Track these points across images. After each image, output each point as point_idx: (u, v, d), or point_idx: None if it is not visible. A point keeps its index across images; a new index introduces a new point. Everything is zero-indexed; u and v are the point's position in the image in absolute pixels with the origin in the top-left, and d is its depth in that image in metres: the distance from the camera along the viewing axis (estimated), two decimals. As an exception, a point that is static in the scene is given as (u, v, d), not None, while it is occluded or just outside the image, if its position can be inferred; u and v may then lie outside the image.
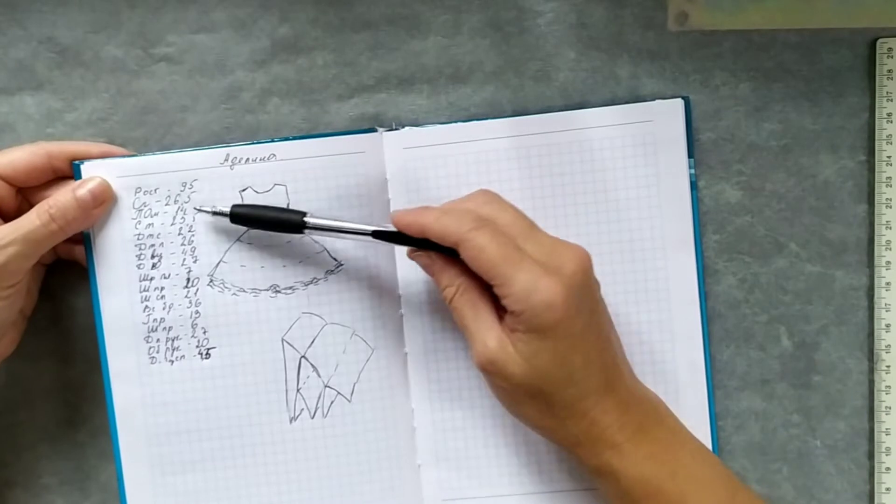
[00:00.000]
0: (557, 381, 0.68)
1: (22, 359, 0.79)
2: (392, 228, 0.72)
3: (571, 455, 0.71)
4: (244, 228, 0.76)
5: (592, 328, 0.70)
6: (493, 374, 0.69)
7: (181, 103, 0.79)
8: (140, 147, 0.79)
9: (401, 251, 0.77)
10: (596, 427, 0.69)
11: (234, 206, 0.75)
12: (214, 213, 0.75)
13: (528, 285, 0.66)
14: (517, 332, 0.68)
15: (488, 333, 0.69)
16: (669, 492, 0.69)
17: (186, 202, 0.77)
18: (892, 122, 0.77)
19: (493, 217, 0.70)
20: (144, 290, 0.77)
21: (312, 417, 0.78)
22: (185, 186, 0.77)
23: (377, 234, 0.72)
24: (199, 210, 0.76)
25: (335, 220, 0.74)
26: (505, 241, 0.68)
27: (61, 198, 0.73)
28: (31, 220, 0.72)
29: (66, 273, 0.79)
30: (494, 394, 0.72)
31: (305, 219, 0.73)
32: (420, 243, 0.71)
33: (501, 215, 0.71)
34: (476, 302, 0.70)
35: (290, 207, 0.76)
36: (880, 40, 0.77)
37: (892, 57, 0.77)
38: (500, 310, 0.70)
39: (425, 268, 0.73)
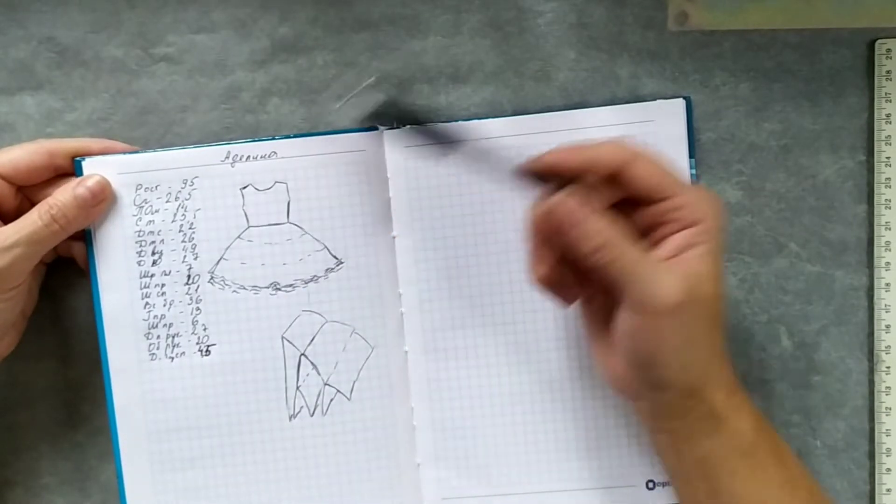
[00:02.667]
0: (722, 294, 0.67)
1: (22, 359, 0.79)
2: (534, 164, 0.69)
3: (694, 398, 0.67)
4: (245, 226, 0.77)
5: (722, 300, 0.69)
6: (684, 307, 0.65)
7: (181, 103, 0.79)
8: (140, 147, 0.79)
9: (402, 248, 0.77)
10: (728, 364, 0.69)
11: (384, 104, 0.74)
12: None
13: (702, 194, 0.67)
14: (698, 245, 0.66)
15: (667, 268, 0.65)
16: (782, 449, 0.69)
17: (187, 199, 0.77)
18: (891, 122, 0.77)
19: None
20: (145, 287, 0.77)
21: (312, 415, 0.78)
22: (185, 183, 0.77)
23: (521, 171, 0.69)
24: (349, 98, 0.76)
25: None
26: (662, 161, 0.68)
27: (61, 197, 0.73)
28: (33, 221, 0.72)
29: (66, 273, 0.79)
30: (649, 345, 0.67)
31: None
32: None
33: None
34: (635, 244, 0.66)
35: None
36: (878, 41, 0.77)
37: (890, 58, 0.77)
38: None
39: (572, 214, 0.67)
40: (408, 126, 0.75)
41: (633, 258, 0.65)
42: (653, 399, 0.69)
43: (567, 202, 0.67)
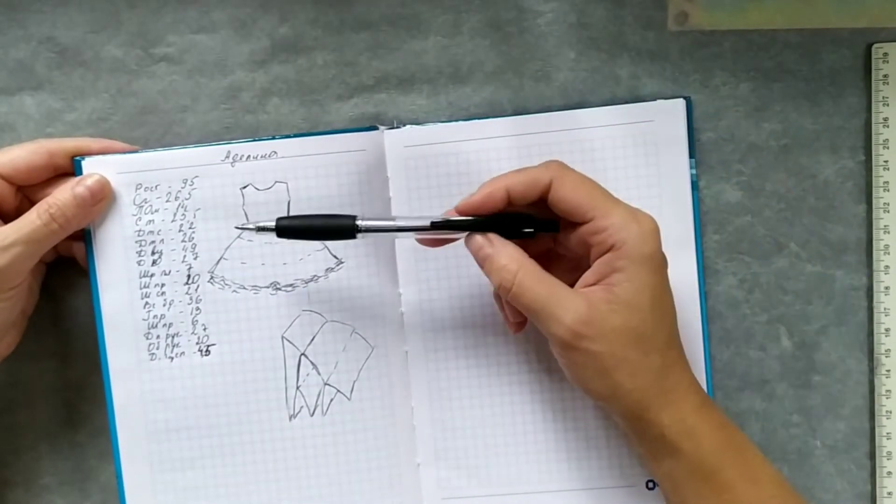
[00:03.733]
0: (657, 320, 0.67)
1: (22, 359, 0.79)
2: (449, 217, 0.70)
3: (642, 422, 0.68)
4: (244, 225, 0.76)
5: (671, 300, 0.69)
6: (587, 338, 0.66)
7: (181, 103, 0.79)
8: (140, 147, 0.79)
9: (402, 248, 0.77)
10: (685, 378, 0.68)
11: (280, 220, 0.72)
12: (259, 230, 0.72)
13: (628, 215, 0.66)
14: (617, 272, 0.66)
15: (572, 300, 0.66)
16: (751, 461, 0.68)
17: (187, 199, 0.77)
18: (888, 126, 0.77)
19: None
20: (145, 287, 0.77)
21: (312, 415, 0.78)
22: (185, 183, 0.77)
23: (436, 225, 0.70)
24: (242, 228, 0.73)
25: (387, 219, 0.72)
26: (593, 181, 0.68)
27: (60, 196, 0.73)
28: (31, 220, 0.72)
29: (66, 273, 0.79)
30: (574, 372, 0.69)
31: (358, 222, 0.71)
32: (478, 227, 0.69)
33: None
34: (543, 276, 0.68)
35: (337, 214, 0.73)
36: (875, 45, 0.77)
37: (887, 62, 0.77)
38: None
39: (480, 251, 0.69)
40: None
41: (537, 292, 0.67)
42: (611, 418, 0.70)
43: (474, 239, 0.69)
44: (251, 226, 0.72)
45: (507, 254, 0.68)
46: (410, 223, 0.71)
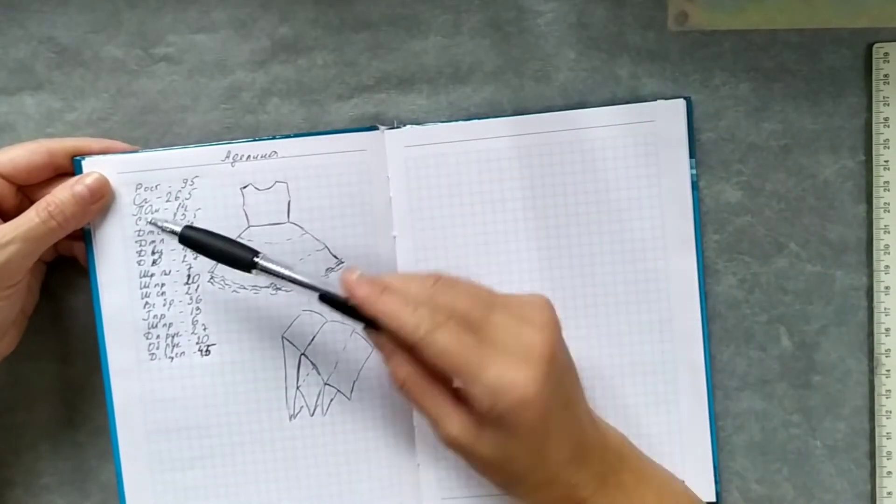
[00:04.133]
0: (527, 466, 0.67)
1: (22, 358, 0.79)
2: (341, 295, 0.70)
3: None
4: (245, 226, 0.76)
5: (565, 403, 0.68)
6: (459, 453, 0.68)
7: (181, 103, 0.79)
8: (140, 147, 0.79)
9: (402, 248, 0.77)
10: (562, 489, 0.67)
11: (186, 228, 0.73)
12: (164, 230, 0.73)
13: (496, 382, 0.64)
14: (485, 426, 0.66)
15: (450, 419, 0.67)
16: None
17: (187, 199, 0.77)
18: (889, 126, 0.77)
19: (452, 305, 0.67)
20: (145, 287, 0.77)
21: (312, 415, 0.78)
22: (185, 183, 0.76)
23: (324, 299, 0.70)
24: (152, 223, 0.74)
25: (286, 267, 0.71)
26: (465, 337, 0.65)
27: (59, 194, 0.73)
28: (30, 219, 0.72)
29: (66, 272, 0.79)
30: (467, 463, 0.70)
31: (256, 259, 0.71)
32: (364, 318, 0.69)
33: (459, 301, 0.67)
34: (430, 386, 0.68)
35: (244, 243, 0.73)
36: (876, 45, 0.77)
37: (888, 62, 0.77)
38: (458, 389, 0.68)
39: (376, 346, 0.70)
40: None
41: (420, 404, 0.68)
42: None
43: (377, 337, 0.70)
44: (160, 223, 0.74)
45: (399, 358, 0.68)
46: (305, 280, 0.71)
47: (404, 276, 0.74)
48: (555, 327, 0.67)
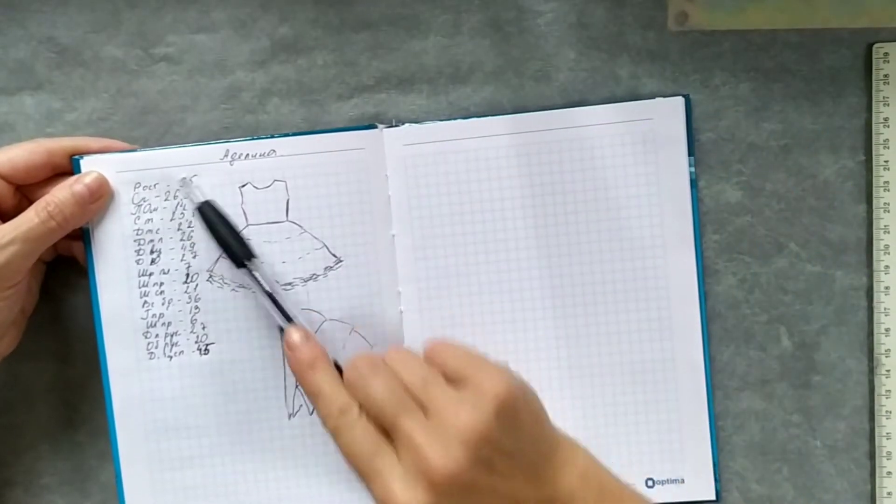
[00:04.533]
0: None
1: (22, 358, 0.79)
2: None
3: None
4: (243, 224, 0.76)
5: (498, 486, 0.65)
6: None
7: (181, 103, 0.79)
8: (140, 147, 0.79)
9: (401, 246, 0.77)
10: None
11: (205, 203, 0.75)
12: (188, 196, 0.76)
13: (383, 499, 0.64)
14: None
15: (391, 476, 0.65)
16: None
17: (186, 198, 0.77)
18: (888, 126, 0.77)
19: (373, 398, 0.67)
20: (143, 286, 0.77)
21: (311, 414, 0.77)
22: (184, 182, 0.77)
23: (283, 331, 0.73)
24: (183, 182, 0.77)
25: (270, 285, 0.75)
26: (367, 441, 0.66)
27: (59, 194, 0.73)
28: (29, 219, 0.72)
29: (66, 272, 0.79)
30: None
31: (247, 263, 0.74)
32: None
33: (380, 394, 0.67)
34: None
35: (247, 244, 0.76)
36: (876, 45, 0.77)
37: (888, 62, 0.77)
38: None
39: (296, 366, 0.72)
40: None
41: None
42: None
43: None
44: (189, 190, 0.76)
45: (342, 398, 0.69)
46: (279, 303, 0.74)
47: (364, 354, 0.72)
48: (478, 438, 0.64)
